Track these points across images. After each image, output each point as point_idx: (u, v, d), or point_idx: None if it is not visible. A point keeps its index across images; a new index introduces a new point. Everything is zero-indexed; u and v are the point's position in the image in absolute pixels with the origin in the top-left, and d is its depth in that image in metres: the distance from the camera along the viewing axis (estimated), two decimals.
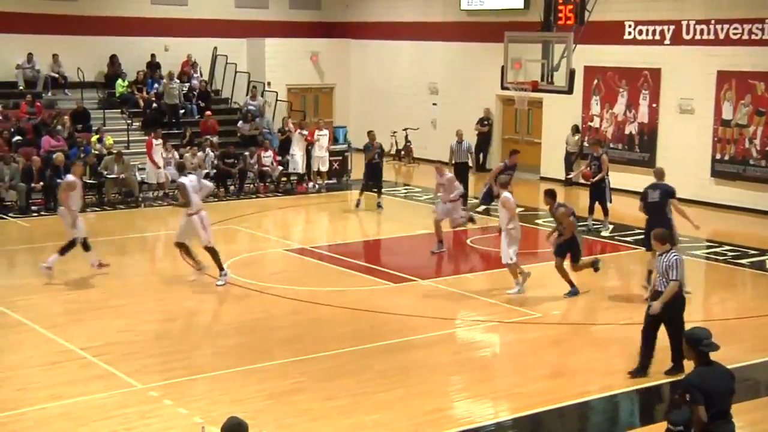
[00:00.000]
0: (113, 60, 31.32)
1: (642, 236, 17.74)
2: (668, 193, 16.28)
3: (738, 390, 8.55)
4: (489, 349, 14.44)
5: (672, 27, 25.72)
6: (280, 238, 21.61)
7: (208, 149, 26.67)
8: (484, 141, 30.83)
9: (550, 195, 16.18)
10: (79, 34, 30.85)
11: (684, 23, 25.42)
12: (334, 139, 28.81)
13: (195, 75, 32.15)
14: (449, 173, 19.73)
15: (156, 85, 30.72)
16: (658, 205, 16.19)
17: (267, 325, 14.98)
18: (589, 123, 28.06)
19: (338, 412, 11.25)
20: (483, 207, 23.48)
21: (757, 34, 23.88)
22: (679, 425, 8.08)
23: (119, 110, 29.99)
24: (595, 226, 21.77)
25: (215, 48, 32.92)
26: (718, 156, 24.90)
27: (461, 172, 24.46)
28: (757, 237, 21.37)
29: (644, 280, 16.49)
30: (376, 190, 24.79)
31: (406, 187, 28.42)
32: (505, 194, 16.48)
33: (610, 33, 26.65)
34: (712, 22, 24.75)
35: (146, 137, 27.86)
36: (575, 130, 28.25)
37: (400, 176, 30.81)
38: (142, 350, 13.50)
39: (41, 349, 13.47)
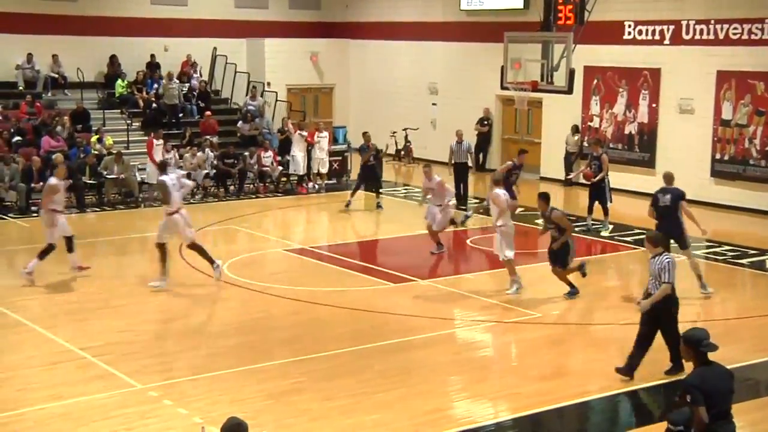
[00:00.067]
0: (113, 60, 31.33)
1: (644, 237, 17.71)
2: (679, 196, 16.21)
3: (738, 390, 8.56)
4: (489, 350, 14.44)
5: (672, 27, 25.72)
6: (280, 239, 21.61)
7: (207, 149, 26.67)
8: (483, 141, 30.84)
9: (545, 198, 15.98)
10: (79, 35, 30.87)
11: (684, 23, 25.42)
12: (333, 140, 28.80)
13: (195, 75, 32.15)
14: (438, 177, 19.57)
15: (155, 86, 30.71)
16: (670, 209, 16.11)
17: (267, 326, 14.98)
18: (589, 123, 28.06)
19: (338, 412, 11.25)
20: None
21: (756, 34, 23.88)
22: (679, 425, 8.08)
23: (119, 110, 30.00)
24: (594, 226, 21.77)
25: (215, 48, 32.93)
26: (717, 156, 24.90)
27: (461, 172, 24.49)
28: (757, 237, 21.38)
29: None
30: (374, 190, 24.79)
31: (406, 188, 28.43)
32: (496, 190, 16.47)
33: (610, 33, 26.65)
34: (712, 21, 24.75)
35: (146, 137, 27.87)
36: (575, 130, 28.25)
37: (400, 176, 30.82)
38: (142, 350, 13.50)
39: (41, 350, 13.47)
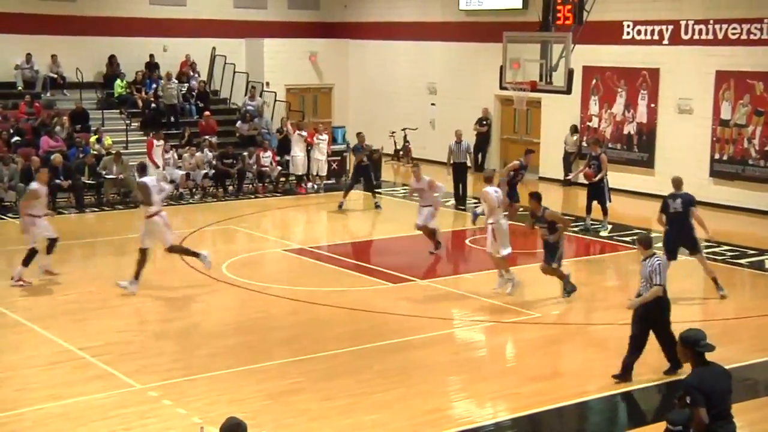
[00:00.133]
0: (112, 60, 31.32)
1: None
2: (690, 202, 16.15)
3: (737, 390, 8.55)
4: (488, 349, 14.44)
5: (670, 27, 25.72)
6: (279, 239, 21.61)
7: (206, 149, 26.67)
8: (482, 141, 30.83)
9: (537, 198, 15.87)
10: (78, 35, 30.85)
11: (682, 23, 25.43)
12: (332, 140, 28.80)
13: (194, 75, 32.14)
14: (427, 177, 19.50)
15: (154, 86, 30.71)
16: (681, 214, 16.04)
17: (266, 326, 14.98)
18: (588, 123, 28.06)
19: (337, 412, 11.25)
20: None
21: (755, 34, 23.88)
22: (678, 425, 8.07)
23: (118, 111, 29.99)
24: (593, 226, 21.77)
25: (214, 48, 32.92)
26: (716, 156, 24.90)
27: (460, 172, 24.47)
28: (756, 237, 21.38)
29: None
30: (370, 190, 24.77)
31: (405, 188, 28.37)
32: (486, 188, 16.46)
33: (609, 33, 26.66)
34: (711, 21, 24.76)
35: (145, 137, 27.89)
36: (574, 130, 28.25)
37: (399, 176, 30.81)
38: (140, 350, 13.51)
39: (40, 350, 13.47)
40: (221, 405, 11.27)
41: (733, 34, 24.32)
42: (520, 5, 28.99)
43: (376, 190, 25.35)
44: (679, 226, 16.10)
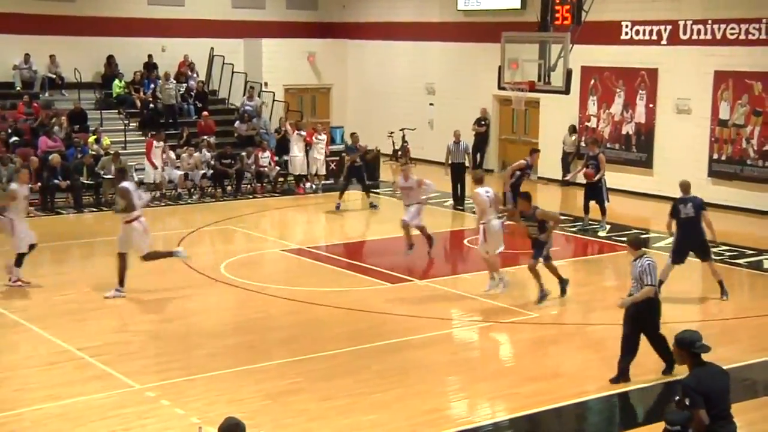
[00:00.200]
0: (110, 60, 31.29)
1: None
2: (700, 205, 16.05)
3: (736, 390, 8.56)
4: (486, 350, 14.44)
5: (669, 27, 25.73)
6: (278, 239, 21.61)
7: (204, 150, 26.66)
8: (481, 141, 30.78)
9: (527, 198, 15.80)
10: (76, 35, 30.82)
11: (681, 23, 25.43)
12: (331, 140, 28.79)
13: (192, 75, 32.13)
14: (415, 176, 19.40)
15: (153, 86, 30.69)
16: (693, 219, 15.91)
17: (264, 326, 14.98)
18: (586, 123, 28.06)
19: (336, 412, 11.25)
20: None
21: (754, 34, 23.89)
22: (677, 425, 8.08)
23: (116, 111, 29.97)
24: (592, 226, 21.78)
25: (212, 48, 32.90)
26: (715, 156, 24.90)
27: (458, 172, 24.46)
28: (755, 237, 21.38)
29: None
30: (365, 191, 24.74)
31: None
32: (477, 189, 16.40)
33: (607, 33, 26.66)
34: (709, 21, 24.76)
35: (143, 137, 27.90)
36: (572, 130, 28.26)
37: (398, 176, 30.72)
38: (139, 351, 13.51)
39: (39, 350, 13.47)
40: (220, 405, 11.26)
41: (732, 34, 24.33)
42: (518, 5, 28.99)
43: (372, 190, 25.32)
44: (691, 231, 15.97)
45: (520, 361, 13.63)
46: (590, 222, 21.94)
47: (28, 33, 29.93)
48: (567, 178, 26.95)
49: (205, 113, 29.86)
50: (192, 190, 26.12)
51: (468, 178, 25.37)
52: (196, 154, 26.30)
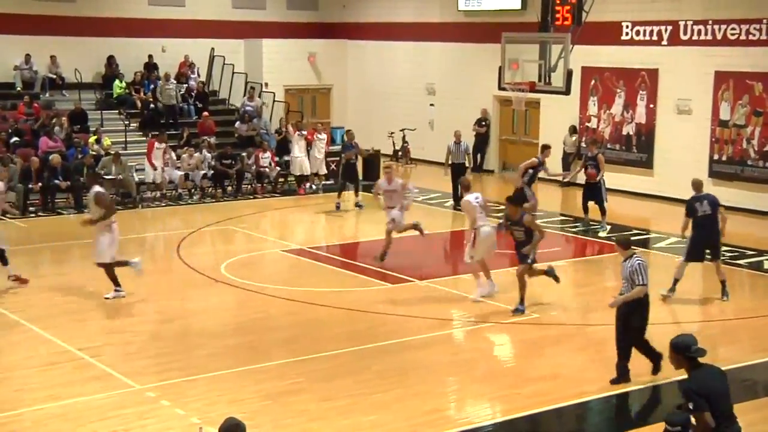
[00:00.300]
0: (111, 61, 31.31)
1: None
2: (716, 203, 15.98)
3: (736, 391, 8.55)
4: (487, 350, 14.43)
5: (669, 27, 25.73)
6: (278, 239, 21.61)
7: (205, 150, 26.66)
8: (481, 142, 30.85)
9: (514, 202, 15.62)
10: (77, 35, 30.84)
11: (681, 23, 25.43)
12: (331, 140, 28.78)
13: (192, 76, 32.13)
14: (400, 179, 19.26)
15: (153, 86, 30.69)
16: (710, 217, 15.86)
17: (265, 326, 14.98)
18: (587, 123, 28.06)
19: (336, 412, 11.25)
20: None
21: (754, 35, 23.89)
22: (677, 426, 8.07)
23: (117, 111, 29.98)
24: (592, 227, 21.78)
25: (212, 49, 32.91)
26: (715, 156, 24.90)
27: (458, 172, 24.43)
28: (755, 237, 21.37)
29: (667, 290, 16.26)
30: (353, 190, 24.63)
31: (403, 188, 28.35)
32: (466, 197, 16.28)
33: (608, 33, 26.66)
34: (710, 22, 24.76)
35: (144, 138, 27.93)
36: (573, 130, 28.26)
37: (398, 177, 30.69)
38: (139, 351, 13.51)
39: (39, 350, 13.47)
40: (220, 405, 11.26)
41: (732, 34, 24.33)
42: (518, 6, 29.00)
43: (361, 191, 25.21)
44: (708, 229, 15.90)
45: (520, 361, 13.63)
46: (591, 222, 21.95)
47: (28, 33, 29.95)
48: (565, 179, 26.87)
49: (206, 114, 29.87)
50: (192, 190, 26.12)
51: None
52: (197, 155, 26.30)
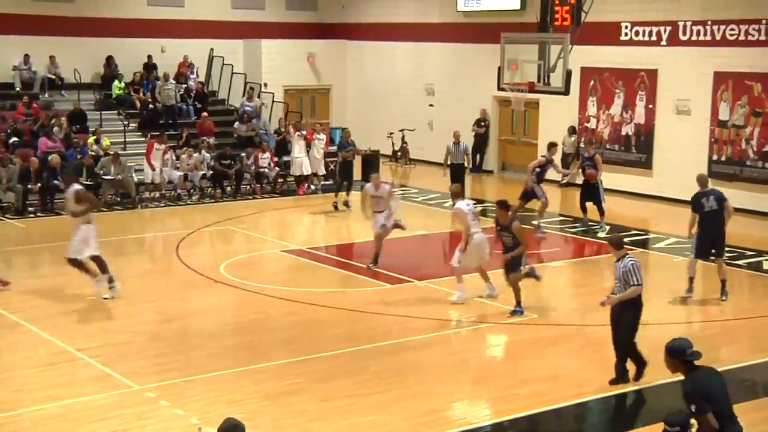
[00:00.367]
0: (110, 61, 31.30)
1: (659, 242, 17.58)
2: (722, 197, 15.98)
3: (735, 391, 8.57)
4: (485, 351, 14.45)
5: (668, 28, 25.73)
6: (277, 239, 21.60)
7: (204, 150, 26.65)
8: (480, 142, 30.86)
9: (504, 206, 15.36)
10: (76, 36, 30.83)
11: (680, 24, 25.44)
12: (330, 141, 28.78)
13: (192, 76, 32.13)
14: (387, 186, 19.10)
15: (151, 86, 30.67)
16: (717, 212, 15.83)
17: (264, 326, 14.98)
18: (586, 124, 28.07)
19: (335, 413, 11.25)
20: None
21: (753, 35, 23.90)
22: (676, 426, 8.08)
23: (116, 111, 29.98)
24: (592, 227, 21.79)
25: (212, 49, 32.91)
26: (714, 157, 24.90)
27: (457, 173, 24.44)
28: (754, 238, 21.37)
29: (684, 291, 16.26)
30: (347, 189, 24.53)
31: (403, 188, 28.39)
32: (457, 204, 16.18)
33: (607, 34, 26.67)
34: (709, 22, 24.77)
35: (143, 138, 27.92)
36: (572, 131, 28.27)
37: (397, 177, 30.77)
38: (139, 351, 13.50)
39: (38, 351, 13.46)
40: (219, 406, 11.26)
41: (731, 35, 24.34)
42: (518, 6, 29.00)
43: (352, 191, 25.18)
44: (713, 224, 15.87)
45: (518, 362, 13.63)
46: (590, 223, 21.95)
47: (27, 34, 29.94)
48: (564, 180, 26.89)
49: (205, 114, 29.86)
50: (191, 190, 26.11)
51: (467, 180, 25.50)
52: (196, 155, 26.29)
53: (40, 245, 20.38)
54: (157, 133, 26.85)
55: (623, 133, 27.15)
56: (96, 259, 16.11)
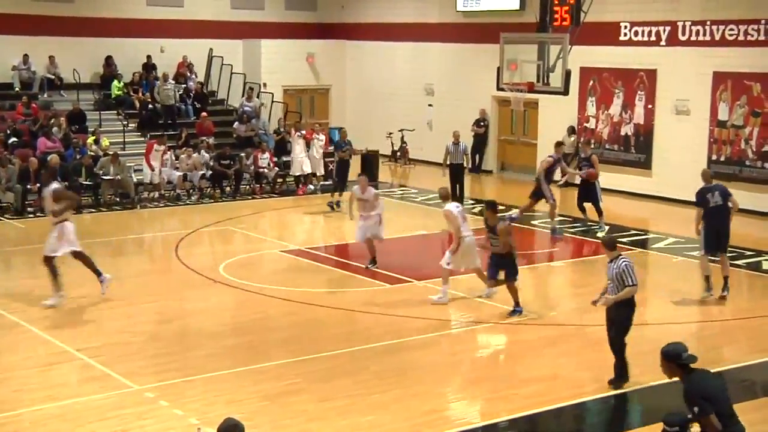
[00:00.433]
0: (109, 61, 31.29)
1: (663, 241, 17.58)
2: (727, 192, 15.98)
3: (735, 391, 8.57)
4: (485, 350, 14.46)
5: (668, 28, 25.74)
6: (276, 239, 21.60)
7: (203, 150, 26.65)
8: (480, 142, 30.86)
9: (493, 208, 15.48)
10: (75, 36, 30.84)
11: (680, 24, 25.45)
12: (329, 140, 28.78)
13: (191, 76, 32.13)
14: (373, 189, 18.89)
15: (151, 87, 30.67)
16: (722, 207, 15.85)
17: (263, 326, 14.98)
18: (585, 124, 28.07)
19: (335, 413, 11.25)
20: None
21: (752, 35, 23.91)
22: (675, 426, 8.08)
23: (115, 112, 29.98)
24: (591, 227, 21.79)
25: (211, 49, 32.91)
26: (714, 157, 24.91)
27: (457, 173, 24.44)
28: (753, 238, 21.37)
29: (703, 290, 16.25)
30: (341, 189, 24.44)
31: (402, 189, 28.41)
32: (446, 206, 16.16)
33: (606, 34, 26.67)
34: (708, 22, 24.77)
35: (142, 138, 27.93)
36: (571, 131, 28.26)
37: (396, 177, 30.79)
38: (138, 351, 13.50)
39: (38, 351, 13.47)
40: (219, 406, 11.26)
41: (731, 35, 24.34)
42: (517, 6, 29.00)
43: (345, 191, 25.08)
44: (721, 219, 15.89)
45: (518, 362, 13.63)
46: (589, 223, 21.95)
47: (26, 34, 29.95)
48: (563, 180, 26.83)
49: (204, 114, 29.86)
50: (191, 191, 26.11)
51: (467, 180, 25.51)
52: (195, 155, 26.28)
53: (40, 245, 20.19)
54: (158, 134, 26.89)
55: (622, 133, 27.15)
56: (79, 255, 16.01)
